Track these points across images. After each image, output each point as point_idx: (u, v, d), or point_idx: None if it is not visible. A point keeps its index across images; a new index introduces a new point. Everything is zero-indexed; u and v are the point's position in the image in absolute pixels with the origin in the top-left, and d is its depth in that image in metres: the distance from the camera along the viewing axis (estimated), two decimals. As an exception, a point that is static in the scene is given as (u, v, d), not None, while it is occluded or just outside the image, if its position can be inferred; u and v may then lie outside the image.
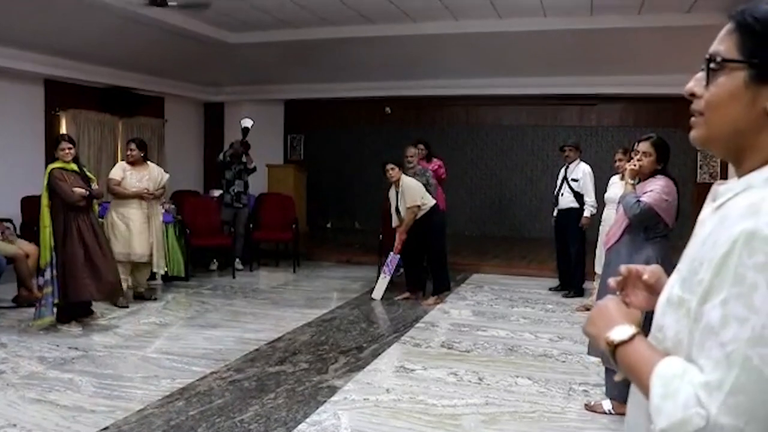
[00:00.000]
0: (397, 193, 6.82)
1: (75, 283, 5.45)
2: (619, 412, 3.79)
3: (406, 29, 9.05)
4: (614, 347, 1.03)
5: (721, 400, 0.84)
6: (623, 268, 1.22)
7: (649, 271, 1.19)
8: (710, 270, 0.89)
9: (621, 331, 1.03)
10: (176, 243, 7.80)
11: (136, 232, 6.51)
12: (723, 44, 0.99)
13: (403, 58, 9.73)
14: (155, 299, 6.85)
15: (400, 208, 6.79)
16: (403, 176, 6.81)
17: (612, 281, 1.22)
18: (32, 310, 5.79)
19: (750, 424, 0.82)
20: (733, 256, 0.86)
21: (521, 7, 8.15)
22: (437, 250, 6.91)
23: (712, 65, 0.99)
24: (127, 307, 6.43)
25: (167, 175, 7.06)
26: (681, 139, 10.95)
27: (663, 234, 3.72)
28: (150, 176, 6.72)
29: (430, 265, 7.05)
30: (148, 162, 6.89)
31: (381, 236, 8.00)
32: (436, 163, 8.01)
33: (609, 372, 3.82)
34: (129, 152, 6.74)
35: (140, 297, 6.80)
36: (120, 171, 6.64)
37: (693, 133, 1.04)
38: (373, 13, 8.63)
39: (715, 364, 0.85)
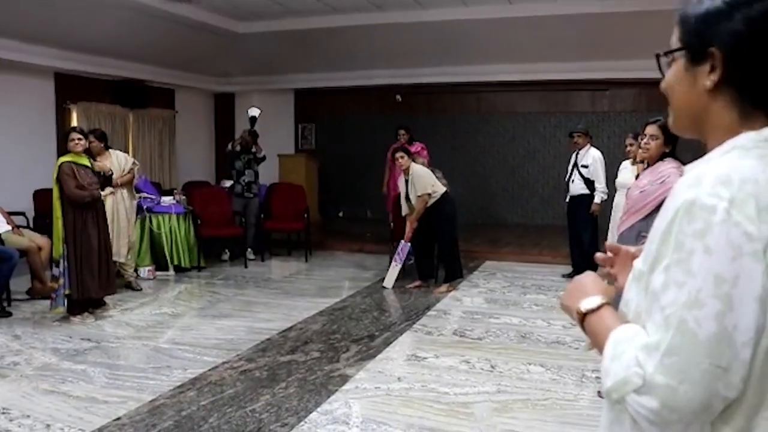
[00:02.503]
0: (406, 181, 6.79)
1: (90, 279, 5.51)
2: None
3: (416, 16, 8.99)
4: (583, 317, 1.07)
5: (658, 360, 0.87)
6: (608, 244, 1.26)
7: (639, 248, 1.19)
8: (657, 239, 0.94)
9: (590, 302, 1.07)
10: (188, 233, 7.82)
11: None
12: (672, 39, 1.06)
13: (413, 45, 9.66)
14: (140, 289, 6.87)
15: (411, 197, 6.75)
16: (413, 164, 6.78)
17: (599, 256, 1.26)
18: (46, 302, 5.85)
19: (683, 384, 0.86)
20: (675, 224, 0.91)
21: (531, -9, 8.09)
22: (448, 238, 6.88)
23: (665, 58, 1.07)
24: (141, 289, 6.83)
25: (132, 160, 7.04)
26: (695, 123, 10.72)
27: None
28: (111, 166, 6.51)
29: (441, 253, 7.03)
30: (110, 151, 6.75)
31: (392, 224, 7.98)
32: (418, 145, 8.09)
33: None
34: (89, 144, 6.43)
35: (128, 286, 6.84)
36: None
37: (668, 121, 1.10)
38: (382, 1, 8.57)
39: (656, 327, 0.89)
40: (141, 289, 6.86)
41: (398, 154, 6.78)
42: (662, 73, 1.08)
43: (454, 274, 6.94)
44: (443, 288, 6.81)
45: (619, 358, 0.92)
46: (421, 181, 6.68)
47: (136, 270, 7.18)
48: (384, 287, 7.02)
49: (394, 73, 10.65)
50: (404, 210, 6.92)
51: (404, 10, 8.91)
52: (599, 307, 1.05)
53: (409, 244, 6.94)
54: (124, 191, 6.86)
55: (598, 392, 3.94)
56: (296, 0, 8.52)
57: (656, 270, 0.92)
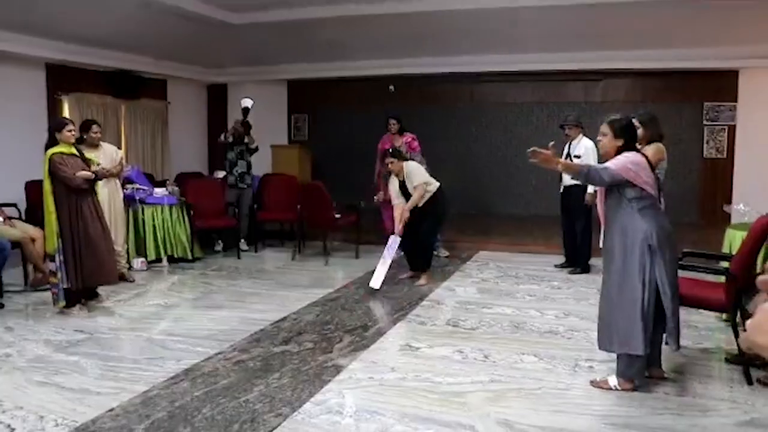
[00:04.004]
0: (400, 181, 6.72)
1: (91, 267, 5.48)
2: (625, 388, 3.78)
3: (409, 6, 8.92)
4: None
5: None
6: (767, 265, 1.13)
7: None
8: None
9: None
10: (180, 225, 7.80)
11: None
12: None
13: (407, 35, 9.62)
14: (133, 280, 6.87)
15: (408, 188, 6.68)
16: (405, 163, 6.73)
17: (762, 279, 1.12)
18: (39, 294, 5.86)
19: None
20: None
21: (525, -19, 8.06)
22: (431, 229, 6.88)
23: None
24: (134, 281, 6.83)
25: (121, 152, 7.09)
26: (688, 114, 10.81)
27: (649, 204, 3.70)
28: (104, 156, 6.50)
29: (422, 243, 6.91)
30: (101, 143, 6.74)
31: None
32: (408, 136, 8.11)
33: (621, 356, 3.78)
34: (94, 134, 6.58)
35: (121, 277, 6.75)
36: None
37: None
38: (375, -10, 8.54)
39: None
40: (134, 281, 6.85)
41: (388, 160, 6.72)
42: None
43: (428, 263, 6.91)
44: (423, 280, 6.75)
45: None
46: (418, 172, 6.66)
47: (128, 261, 7.17)
48: (372, 288, 6.49)
49: (388, 63, 10.62)
50: (395, 203, 6.85)
51: (398, 1, 8.86)
52: None
53: (399, 238, 6.76)
54: (117, 182, 6.86)
55: (591, 381, 3.96)
56: (289, -10, 8.48)
57: None
